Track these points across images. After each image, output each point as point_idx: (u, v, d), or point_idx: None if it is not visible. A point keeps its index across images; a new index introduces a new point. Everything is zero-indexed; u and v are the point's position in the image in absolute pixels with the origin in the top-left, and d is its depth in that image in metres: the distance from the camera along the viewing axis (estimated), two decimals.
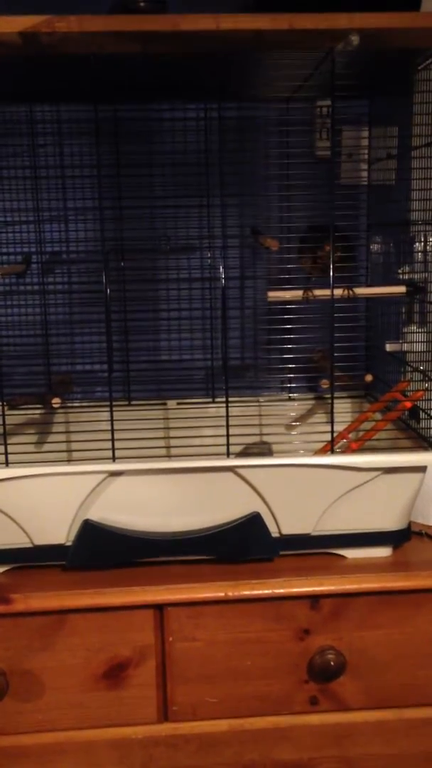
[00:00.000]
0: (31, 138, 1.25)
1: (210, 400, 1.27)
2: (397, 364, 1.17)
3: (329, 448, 1.00)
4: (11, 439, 1.16)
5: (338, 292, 1.02)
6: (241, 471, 0.95)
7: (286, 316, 1.06)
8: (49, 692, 0.95)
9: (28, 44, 0.88)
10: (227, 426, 0.98)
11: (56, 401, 1.07)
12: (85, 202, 1.29)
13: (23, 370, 1.29)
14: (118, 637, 0.94)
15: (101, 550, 0.96)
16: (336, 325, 0.98)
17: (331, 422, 1.00)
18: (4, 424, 0.99)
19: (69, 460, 1.14)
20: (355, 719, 0.98)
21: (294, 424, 1.24)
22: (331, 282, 0.98)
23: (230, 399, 1.00)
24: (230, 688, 0.96)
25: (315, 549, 0.99)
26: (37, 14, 0.84)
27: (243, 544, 0.97)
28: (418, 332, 1.11)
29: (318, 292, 1.02)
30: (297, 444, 1.11)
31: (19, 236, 1.29)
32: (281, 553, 0.98)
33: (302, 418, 1.25)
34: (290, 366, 1.10)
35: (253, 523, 0.96)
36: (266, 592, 0.93)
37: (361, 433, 1.06)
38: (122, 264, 1.27)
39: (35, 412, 1.22)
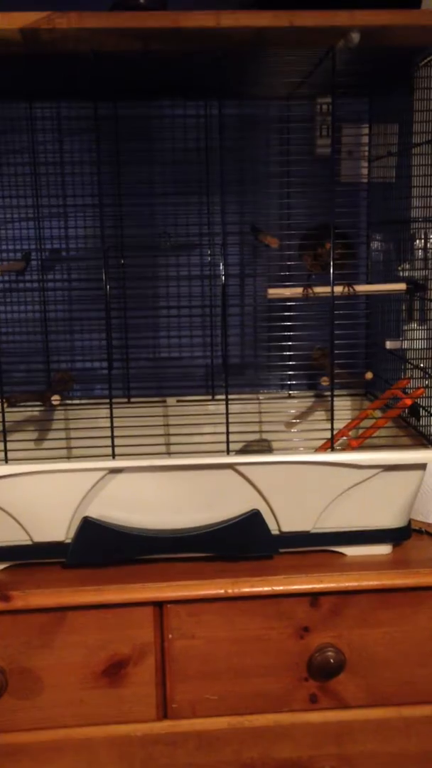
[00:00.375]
0: (30, 135, 1.25)
1: (210, 397, 1.27)
2: (397, 361, 1.17)
3: (329, 445, 1.00)
4: (11, 437, 1.17)
5: (338, 289, 1.02)
6: (240, 468, 0.95)
7: (286, 314, 1.06)
8: (49, 690, 0.95)
9: (28, 41, 0.88)
10: (227, 423, 0.98)
11: (56, 398, 1.07)
12: (84, 199, 1.29)
13: (23, 367, 1.29)
14: (117, 635, 0.94)
15: (101, 547, 0.96)
16: (336, 322, 0.98)
17: (331, 420, 1.00)
18: (3, 422, 0.99)
19: (69, 458, 1.14)
20: (354, 717, 0.98)
21: (294, 421, 1.24)
22: (332, 279, 0.98)
23: (230, 396, 1.00)
24: (230, 686, 0.96)
25: (315, 546, 0.99)
26: (37, 11, 0.84)
27: (243, 541, 0.97)
28: (418, 330, 1.11)
29: (318, 290, 1.02)
30: (297, 441, 1.11)
31: (18, 233, 1.29)
32: (281, 550, 0.98)
33: (302, 416, 1.25)
34: (290, 363, 1.10)
35: (252, 520, 0.96)
36: (266, 589, 0.93)
37: (361, 431, 1.06)
38: (122, 261, 1.27)
39: (35, 410, 1.22)
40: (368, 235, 1.31)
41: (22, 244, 1.30)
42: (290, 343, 1.07)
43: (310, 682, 0.97)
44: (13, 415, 1.19)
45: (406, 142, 1.12)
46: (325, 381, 1.05)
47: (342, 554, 1.00)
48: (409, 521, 1.02)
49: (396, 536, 1.00)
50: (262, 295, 1.34)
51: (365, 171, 1.31)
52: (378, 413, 1.12)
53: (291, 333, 1.06)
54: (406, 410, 1.08)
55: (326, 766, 0.98)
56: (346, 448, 1.02)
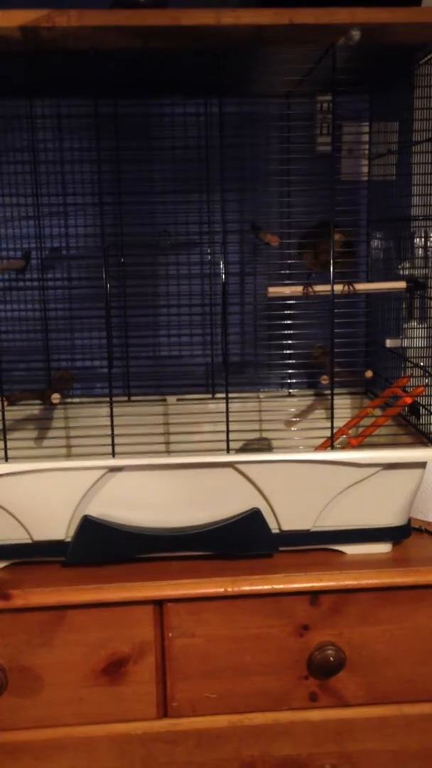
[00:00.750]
0: (30, 133, 1.24)
1: (210, 396, 1.27)
2: (397, 360, 1.17)
3: (329, 444, 1.00)
4: (11, 435, 1.17)
5: (338, 287, 1.02)
6: (240, 467, 0.95)
7: (286, 312, 1.06)
8: (48, 688, 0.95)
9: (28, 39, 0.88)
10: (227, 422, 0.98)
11: (56, 397, 1.07)
12: (85, 197, 1.29)
13: (23, 365, 1.29)
14: (117, 633, 0.94)
15: (101, 545, 0.96)
16: (336, 320, 0.98)
17: (331, 418, 1.00)
18: (3, 420, 0.99)
19: (69, 456, 1.14)
20: (354, 715, 0.98)
21: (294, 420, 1.24)
22: (332, 278, 0.98)
23: (230, 395, 1.00)
24: (230, 684, 0.97)
25: (315, 545, 0.99)
26: (37, 8, 0.84)
27: (243, 540, 0.97)
28: (419, 328, 1.11)
29: (318, 288, 1.02)
30: (297, 440, 1.11)
31: (18, 232, 1.29)
32: (281, 549, 0.98)
33: (302, 414, 1.25)
34: (290, 362, 1.10)
35: (252, 519, 0.96)
36: (266, 588, 0.93)
37: (360, 429, 1.06)
38: (122, 260, 1.27)
39: (35, 408, 1.22)
40: (368, 234, 1.31)
41: (22, 242, 1.30)
42: (290, 341, 1.06)
43: (310, 680, 0.97)
44: (13, 413, 1.19)
45: (406, 140, 1.12)
46: (325, 379, 1.05)
47: (342, 553, 1.00)
48: (409, 520, 1.02)
49: (396, 535, 1.00)
50: (262, 294, 1.34)
51: (365, 169, 1.31)
52: (378, 412, 1.12)
53: (291, 331, 1.06)
54: (406, 409, 1.08)
55: (326, 764, 0.99)
56: (346, 446, 1.02)
